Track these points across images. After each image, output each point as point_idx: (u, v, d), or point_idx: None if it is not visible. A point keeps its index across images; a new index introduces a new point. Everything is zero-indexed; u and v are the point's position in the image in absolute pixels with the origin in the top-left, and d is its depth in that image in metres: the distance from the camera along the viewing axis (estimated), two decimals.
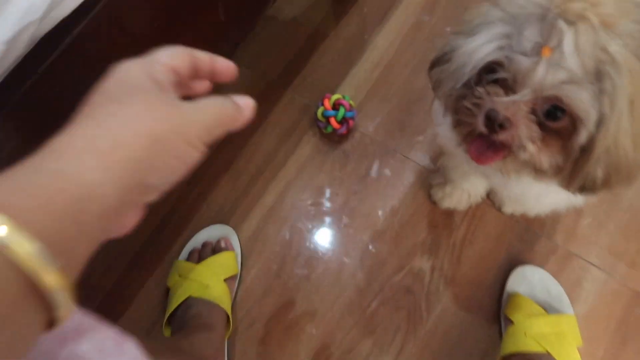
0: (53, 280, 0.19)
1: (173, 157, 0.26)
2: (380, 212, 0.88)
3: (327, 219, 0.88)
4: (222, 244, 0.85)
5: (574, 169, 0.47)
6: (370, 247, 0.86)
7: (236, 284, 0.84)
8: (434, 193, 0.88)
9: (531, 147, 0.47)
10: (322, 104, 0.89)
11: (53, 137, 0.23)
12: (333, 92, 0.95)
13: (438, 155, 0.90)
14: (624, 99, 0.41)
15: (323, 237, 0.87)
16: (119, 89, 0.26)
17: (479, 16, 0.50)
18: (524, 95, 0.45)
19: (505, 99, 0.46)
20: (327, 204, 0.89)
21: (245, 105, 0.31)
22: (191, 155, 0.26)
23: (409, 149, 0.92)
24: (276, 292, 0.85)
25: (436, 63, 0.55)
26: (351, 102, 0.90)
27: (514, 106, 0.46)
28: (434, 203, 0.88)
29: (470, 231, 0.86)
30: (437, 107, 0.60)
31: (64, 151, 0.22)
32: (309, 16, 1.05)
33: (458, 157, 0.71)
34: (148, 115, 0.25)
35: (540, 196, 0.67)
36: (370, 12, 1.04)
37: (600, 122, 0.43)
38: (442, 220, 0.87)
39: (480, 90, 0.48)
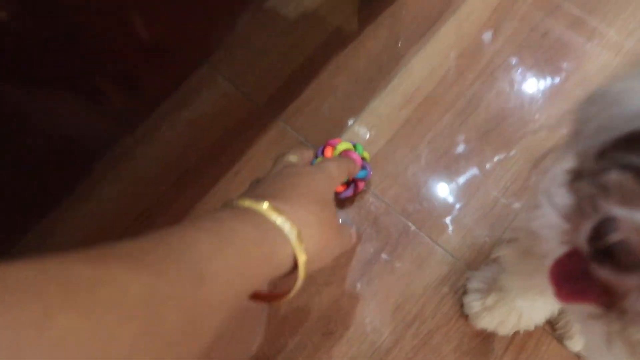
0: (303, 269, 0.32)
1: (327, 259, 0.37)
2: (384, 321, 0.60)
3: (306, 319, 0.61)
4: None
5: None
6: None
7: None
8: (469, 303, 0.60)
9: None
10: (323, 154, 0.60)
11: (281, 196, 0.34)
12: (340, 134, 0.67)
13: (493, 244, 0.62)
14: None
15: (297, 347, 0.60)
16: (317, 195, 0.36)
17: None
18: None
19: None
20: (309, 299, 0.62)
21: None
22: (326, 263, 0.37)
23: (439, 230, 0.64)
24: None
25: (588, 101, 0.29)
26: (365, 154, 0.62)
27: None
28: (465, 317, 0.60)
29: None
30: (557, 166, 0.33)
31: (293, 213, 0.32)
32: (324, 16, 0.76)
33: (541, 259, 0.44)
34: (330, 228, 0.36)
35: None
36: (408, 20, 0.75)
37: None
38: (475, 346, 0.59)
39: (614, 175, 0.24)
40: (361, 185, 0.62)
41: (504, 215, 0.63)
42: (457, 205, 0.64)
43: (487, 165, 0.66)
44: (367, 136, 0.67)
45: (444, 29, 0.73)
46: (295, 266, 0.32)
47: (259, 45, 0.73)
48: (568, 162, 0.27)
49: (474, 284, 0.60)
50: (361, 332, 0.60)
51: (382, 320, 0.60)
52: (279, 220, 0.31)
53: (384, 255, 0.63)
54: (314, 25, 0.75)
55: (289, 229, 0.31)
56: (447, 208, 0.64)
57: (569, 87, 0.69)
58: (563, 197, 0.26)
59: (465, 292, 0.61)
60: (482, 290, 0.59)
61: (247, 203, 0.32)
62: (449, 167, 0.66)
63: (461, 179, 0.65)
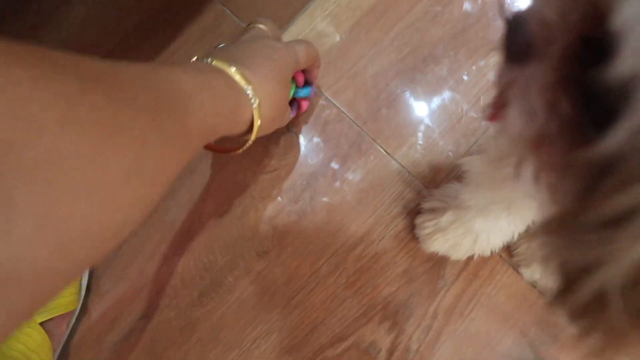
0: (256, 132, 0.39)
1: (269, 130, 0.44)
2: (325, 241, 0.54)
3: (239, 236, 0.54)
4: None
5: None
6: (298, 297, 0.53)
7: (71, 323, 0.52)
8: (421, 224, 0.53)
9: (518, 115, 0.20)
10: None
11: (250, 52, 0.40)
12: (289, 22, 0.56)
13: (456, 160, 0.54)
14: None
15: (227, 266, 0.54)
16: (280, 75, 0.41)
17: None
18: None
19: None
20: (243, 214, 0.54)
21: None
22: (266, 133, 0.43)
23: (397, 143, 0.55)
24: (142, 341, 0.53)
25: None
26: None
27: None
28: (417, 240, 0.54)
29: (466, 297, 0.53)
30: None
31: (258, 85, 0.37)
32: None
33: (514, 165, 0.37)
34: (280, 106, 0.42)
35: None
36: None
37: None
38: (423, 272, 0.54)
39: None
40: (305, 105, 0.52)
41: (472, 130, 0.54)
42: (420, 115, 0.55)
43: (460, 70, 0.55)
44: (321, 28, 0.56)
45: None
46: (248, 130, 0.39)
47: None
48: None
49: (429, 204, 0.53)
50: (299, 254, 0.53)
51: (323, 241, 0.53)
52: (247, 88, 0.36)
53: (331, 167, 0.55)
54: None
55: (253, 97, 0.37)
56: (409, 118, 0.55)
57: None
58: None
59: (419, 213, 0.54)
60: (437, 210, 0.52)
61: (220, 64, 0.36)
62: (415, 69, 0.56)
63: (428, 85, 0.55)
